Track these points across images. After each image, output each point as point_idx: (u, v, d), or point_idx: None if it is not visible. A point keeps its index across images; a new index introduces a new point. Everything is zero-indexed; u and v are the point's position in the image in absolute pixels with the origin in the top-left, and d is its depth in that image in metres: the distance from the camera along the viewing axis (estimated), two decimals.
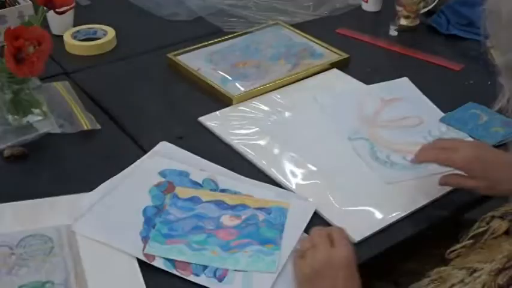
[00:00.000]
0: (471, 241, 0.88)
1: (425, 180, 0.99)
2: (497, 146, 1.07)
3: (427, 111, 1.17)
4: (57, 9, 1.03)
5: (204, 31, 1.45)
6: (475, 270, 0.79)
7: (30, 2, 1.35)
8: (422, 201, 0.96)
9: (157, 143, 1.06)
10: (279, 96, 1.21)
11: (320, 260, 0.78)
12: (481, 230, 0.87)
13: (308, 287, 0.78)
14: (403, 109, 1.17)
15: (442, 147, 0.94)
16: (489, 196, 0.97)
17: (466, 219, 1.05)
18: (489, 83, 1.28)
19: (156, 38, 1.43)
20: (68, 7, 1.05)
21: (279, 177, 1.00)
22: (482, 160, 0.90)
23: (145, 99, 1.20)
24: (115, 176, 0.97)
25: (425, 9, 1.50)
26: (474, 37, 1.44)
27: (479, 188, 0.91)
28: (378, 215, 0.93)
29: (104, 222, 0.88)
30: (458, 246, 0.88)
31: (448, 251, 0.88)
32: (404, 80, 1.26)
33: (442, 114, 1.17)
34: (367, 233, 0.90)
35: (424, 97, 1.21)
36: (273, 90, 1.23)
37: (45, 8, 1.03)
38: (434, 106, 1.19)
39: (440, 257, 0.91)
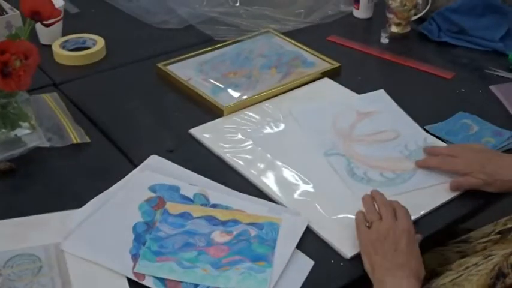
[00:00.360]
0: (498, 236, 0.92)
1: (410, 194, 0.99)
2: None
3: (403, 124, 1.15)
4: (44, 21, 1.02)
5: (195, 39, 1.44)
6: (489, 255, 0.86)
7: (18, 12, 1.33)
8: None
9: (148, 156, 1.04)
10: (270, 107, 1.20)
11: (385, 228, 0.86)
12: (508, 226, 0.92)
13: (372, 250, 0.85)
14: (379, 122, 1.15)
15: (443, 154, 1.03)
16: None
17: (461, 229, 1.05)
18: (480, 91, 1.29)
19: (146, 47, 1.42)
20: (56, 19, 1.03)
21: (270, 191, 0.99)
22: (480, 158, 0.99)
23: (136, 111, 1.19)
24: (104, 192, 0.96)
25: (417, 17, 1.50)
26: (465, 44, 1.45)
27: (482, 185, 0.97)
28: None
29: (93, 240, 0.87)
30: (485, 239, 0.95)
31: (476, 242, 0.95)
32: (381, 92, 1.24)
33: (418, 126, 1.14)
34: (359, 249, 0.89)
35: (401, 110, 1.19)
36: (265, 100, 1.22)
37: (32, 20, 1.01)
38: (410, 119, 1.16)
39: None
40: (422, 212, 0.96)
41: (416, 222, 0.93)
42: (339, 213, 0.95)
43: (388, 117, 1.17)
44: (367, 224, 0.88)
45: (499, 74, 1.33)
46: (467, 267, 0.88)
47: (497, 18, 1.43)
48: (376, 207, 0.91)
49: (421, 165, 1.04)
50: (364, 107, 1.19)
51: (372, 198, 0.93)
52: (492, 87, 1.28)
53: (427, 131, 1.14)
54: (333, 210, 0.96)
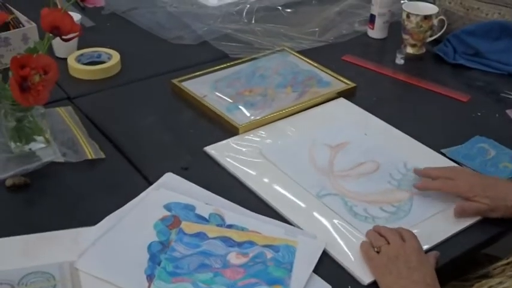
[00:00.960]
0: None
1: (419, 226, 0.97)
2: None
3: (377, 153, 1.12)
4: (64, 36, 1.02)
5: (209, 56, 1.44)
6: None
7: (34, 24, 1.33)
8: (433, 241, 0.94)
9: (163, 173, 1.04)
10: (285, 126, 1.20)
11: (395, 249, 0.87)
12: None
13: (386, 271, 0.85)
14: (354, 154, 1.12)
15: (442, 177, 1.02)
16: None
17: (482, 255, 1.04)
18: (497, 115, 1.28)
19: (161, 62, 1.42)
20: (75, 34, 1.03)
21: (285, 212, 0.98)
22: (481, 182, 1.00)
23: (150, 127, 1.18)
24: (119, 209, 0.95)
25: (432, 38, 1.50)
26: (481, 67, 1.44)
27: (486, 210, 0.97)
28: None
29: (108, 259, 0.86)
30: (503, 261, 0.95)
31: (492, 267, 0.94)
32: (344, 123, 1.21)
33: (391, 151, 1.12)
34: None
35: (365, 136, 1.17)
36: (280, 119, 1.21)
37: (51, 34, 1.01)
38: (380, 144, 1.15)
39: None
40: (437, 241, 0.94)
41: (432, 250, 0.92)
42: (356, 237, 0.94)
43: (360, 146, 1.14)
44: (376, 249, 0.88)
45: None
46: (490, 286, 0.88)
47: None
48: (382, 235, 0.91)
49: (421, 188, 1.03)
50: (332, 140, 1.15)
51: (375, 231, 0.93)
52: (508, 111, 1.28)
53: (444, 154, 1.13)
54: (349, 235, 0.95)
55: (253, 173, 1.06)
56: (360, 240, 0.93)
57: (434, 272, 0.85)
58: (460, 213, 0.98)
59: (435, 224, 0.97)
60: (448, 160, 1.12)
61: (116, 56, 1.37)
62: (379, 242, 0.89)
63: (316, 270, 0.88)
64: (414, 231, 0.93)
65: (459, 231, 0.97)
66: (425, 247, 0.92)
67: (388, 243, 0.88)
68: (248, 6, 1.62)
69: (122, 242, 0.89)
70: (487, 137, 1.18)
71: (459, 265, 0.94)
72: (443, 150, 1.14)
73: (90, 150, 1.08)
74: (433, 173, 1.04)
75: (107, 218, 0.93)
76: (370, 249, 0.89)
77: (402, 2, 1.62)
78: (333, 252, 0.91)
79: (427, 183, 1.03)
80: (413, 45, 1.49)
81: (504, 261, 0.96)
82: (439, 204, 1.01)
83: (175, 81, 1.30)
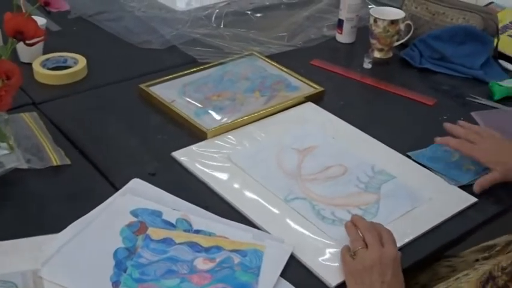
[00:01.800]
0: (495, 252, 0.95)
1: (388, 227, 0.96)
2: (466, 186, 1.07)
3: (344, 157, 1.13)
4: (28, 41, 1.00)
5: (178, 60, 1.43)
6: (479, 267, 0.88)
7: None
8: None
9: (130, 179, 1.03)
10: (254, 130, 1.20)
11: (372, 259, 0.85)
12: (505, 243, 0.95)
13: (358, 280, 0.84)
14: (322, 158, 1.12)
15: (466, 138, 1.09)
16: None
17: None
18: (462, 118, 1.30)
19: (129, 67, 1.41)
20: (39, 39, 1.01)
21: (253, 217, 0.98)
22: (498, 147, 1.06)
23: (117, 132, 1.17)
24: (84, 216, 0.94)
25: (399, 43, 1.51)
26: (446, 71, 1.46)
27: (500, 178, 1.04)
28: None
29: (73, 267, 0.85)
30: (481, 255, 0.99)
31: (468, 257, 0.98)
32: (312, 127, 1.21)
33: (357, 155, 1.13)
34: (343, 278, 0.88)
35: (332, 140, 1.18)
36: (249, 123, 1.21)
37: (14, 39, 1.00)
38: (348, 148, 1.15)
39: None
40: (404, 242, 0.95)
41: (400, 250, 0.92)
42: (323, 240, 0.94)
43: (328, 150, 1.15)
44: (352, 254, 0.87)
45: (480, 101, 1.35)
46: (457, 278, 0.89)
47: (477, 46, 1.45)
48: (360, 233, 0.90)
49: (440, 142, 1.10)
50: (300, 144, 1.16)
51: (354, 224, 0.92)
52: (473, 114, 1.30)
53: (409, 157, 1.14)
54: (317, 237, 0.95)
55: (221, 178, 1.06)
56: (327, 243, 0.93)
57: (403, 283, 0.85)
58: (480, 189, 1.04)
59: (401, 226, 0.98)
60: (414, 163, 1.13)
61: (82, 61, 1.36)
62: (356, 245, 0.88)
63: (284, 274, 0.88)
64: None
65: (426, 232, 0.98)
66: None
67: (366, 246, 0.87)
68: (217, 10, 1.62)
69: (87, 248, 0.88)
70: None
71: (426, 265, 0.95)
72: (409, 153, 1.15)
73: (55, 157, 1.06)
74: (458, 131, 1.10)
75: (72, 224, 0.92)
76: (347, 253, 0.88)
77: (370, 7, 1.64)
78: (300, 256, 0.91)
79: (447, 139, 1.09)
80: (380, 50, 1.51)
81: (483, 255, 0.98)
82: (406, 206, 1.02)
83: (143, 86, 1.29)
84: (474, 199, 1.05)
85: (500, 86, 1.35)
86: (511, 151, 1.05)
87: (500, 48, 1.50)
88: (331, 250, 0.92)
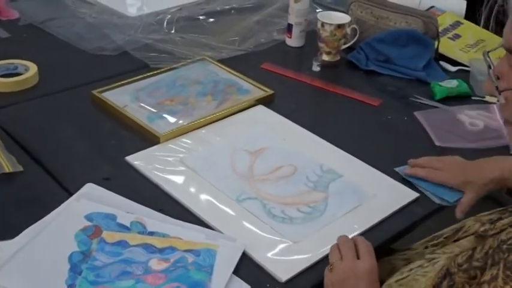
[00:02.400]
0: (444, 240, 0.97)
1: (334, 224, 1.02)
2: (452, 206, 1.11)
3: (294, 157, 1.17)
4: None
5: (130, 66, 1.45)
6: (433, 258, 0.90)
7: None
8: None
9: (83, 184, 1.04)
10: (206, 133, 1.23)
11: (345, 270, 0.87)
12: (453, 231, 0.97)
13: None
14: (272, 158, 1.16)
15: (431, 166, 1.13)
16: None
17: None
18: (406, 118, 1.36)
19: (80, 74, 1.41)
20: None
21: (206, 218, 1.01)
22: (462, 169, 1.11)
23: (70, 139, 1.18)
24: (39, 221, 0.95)
25: (346, 46, 1.57)
26: (391, 73, 1.52)
27: (471, 196, 1.08)
28: (305, 253, 0.96)
29: (28, 272, 0.86)
30: (431, 242, 1.00)
31: (422, 246, 1.01)
32: (263, 130, 1.25)
33: (308, 155, 1.17)
34: (294, 272, 0.92)
35: (283, 141, 1.21)
36: (201, 127, 1.24)
37: None
38: (297, 149, 1.19)
39: None
40: (353, 234, 0.99)
41: None
42: (274, 238, 0.98)
43: (278, 151, 1.18)
44: (330, 267, 0.90)
45: (422, 101, 1.41)
46: (411, 269, 0.92)
47: (420, 48, 1.51)
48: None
49: (410, 173, 1.13)
50: (252, 146, 1.19)
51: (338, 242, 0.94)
52: (416, 114, 1.36)
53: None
54: (268, 235, 0.98)
55: (175, 181, 1.09)
56: (277, 240, 0.97)
57: None
58: (462, 215, 1.07)
59: (349, 221, 1.03)
60: (360, 161, 1.18)
61: (33, 68, 1.36)
62: (333, 257, 0.90)
63: (237, 272, 0.91)
64: (328, 227, 0.99)
65: (372, 226, 1.03)
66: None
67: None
68: (169, 16, 1.64)
69: (42, 253, 0.89)
70: (397, 139, 1.25)
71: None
72: (396, 169, 1.15)
73: (7, 164, 1.07)
74: (421, 161, 1.14)
75: (27, 230, 0.93)
76: (327, 266, 0.90)
77: (317, 11, 1.69)
78: (252, 254, 0.94)
79: (415, 170, 1.13)
80: (328, 53, 1.56)
81: (432, 242, 1.01)
82: (352, 202, 1.07)
83: (95, 92, 1.31)
84: (416, 194, 1.10)
85: (441, 86, 1.42)
86: (473, 170, 1.10)
87: (441, 50, 1.57)
88: (282, 247, 0.96)
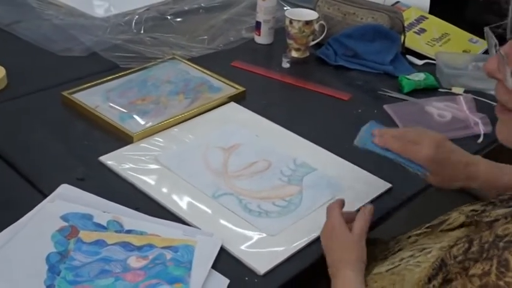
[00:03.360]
0: (428, 230, 0.94)
1: (309, 217, 1.04)
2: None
3: (268, 152, 1.18)
4: None
5: (100, 67, 1.44)
6: (424, 249, 0.88)
7: None
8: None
9: (58, 186, 1.03)
10: (179, 132, 1.23)
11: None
12: (436, 222, 0.93)
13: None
14: (246, 154, 1.17)
15: (408, 140, 0.99)
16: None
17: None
18: (375, 111, 1.38)
19: (50, 75, 1.40)
20: None
21: (183, 214, 1.01)
22: (439, 161, 0.97)
23: (42, 140, 1.17)
24: (14, 224, 0.94)
25: (314, 42, 1.59)
26: (359, 67, 1.55)
27: (432, 182, 1.01)
28: (283, 246, 0.97)
29: (5, 274, 0.85)
30: (415, 232, 0.95)
31: (405, 236, 0.97)
32: (235, 127, 1.25)
33: (280, 150, 1.18)
34: (273, 265, 0.93)
35: (256, 137, 1.22)
36: (173, 125, 1.24)
37: None
38: (271, 144, 1.20)
39: None
40: None
41: None
42: (251, 232, 0.99)
43: (252, 147, 1.19)
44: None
45: (391, 94, 1.44)
46: (402, 258, 0.90)
47: (386, 43, 1.54)
48: None
49: (381, 144, 0.99)
50: (225, 143, 1.20)
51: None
52: (385, 107, 1.39)
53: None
54: (245, 230, 0.99)
55: (150, 179, 1.09)
56: (255, 234, 0.98)
57: (355, 244, 0.93)
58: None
59: (324, 214, 1.03)
60: (333, 155, 1.20)
61: (1, 71, 1.34)
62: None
63: (215, 266, 0.92)
64: (304, 219, 1.01)
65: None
66: (316, 234, 0.99)
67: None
68: (137, 16, 1.63)
69: (18, 255, 0.89)
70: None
71: None
72: (355, 143, 1.05)
73: None
74: (403, 135, 0.99)
75: (2, 232, 0.92)
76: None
77: (285, 8, 1.70)
78: (230, 248, 0.95)
79: (388, 142, 0.98)
80: (297, 50, 1.57)
81: (416, 232, 0.98)
82: (327, 195, 1.09)
83: (65, 93, 1.30)
84: (389, 185, 1.13)
85: (408, 79, 1.45)
86: (451, 165, 0.99)
87: (407, 45, 1.60)
88: (259, 241, 0.97)
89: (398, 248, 0.96)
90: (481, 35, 1.66)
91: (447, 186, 1.01)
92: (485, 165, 1.01)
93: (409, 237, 0.99)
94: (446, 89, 1.47)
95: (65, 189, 1.03)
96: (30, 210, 0.97)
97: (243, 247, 0.96)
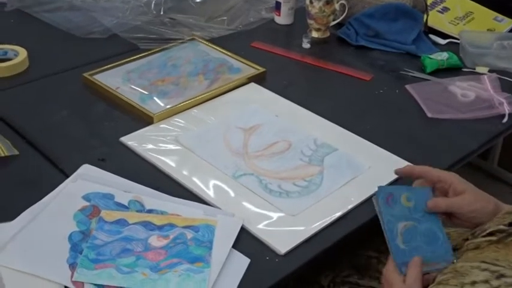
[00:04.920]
0: (494, 238, 0.86)
1: (330, 197, 1.03)
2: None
3: (288, 132, 1.17)
4: None
5: (120, 49, 1.44)
6: (502, 275, 0.78)
7: None
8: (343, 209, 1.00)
9: (79, 166, 1.04)
10: (199, 113, 1.23)
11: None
12: (501, 228, 0.86)
13: None
14: (267, 135, 1.16)
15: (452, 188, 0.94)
16: None
17: None
18: (397, 91, 1.37)
19: (71, 57, 1.41)
20: None
21: (204, 194, 1.01)
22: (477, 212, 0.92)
23: (64, 121, 1.18)
24: (37, 203, 0.95)
25: (335, 22, 1.57)
26: (381, 47, 1.53)
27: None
28: (303, 226, 0.97)
29: (29, 252, 0.86)
30: (481, 239, 0.87)
31: (467, 242, 0.89)
32: (255, 107, 1.25)
33: (301, 129, 1.17)
34: (293, 245, 0.93)
35: (276, 118, 1.21)
36: (193, 106, 1.24)
37: None
38: (291, 124, 1.19)
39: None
40: (349, 208, 1.01)
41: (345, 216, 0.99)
42: (272, 212, 0.99)
43: (272, 128, 1.19)
44: None
45: (413, 74, 1.42)
46: (474, 282, 0.79)
47: (409, 22, 1.52)
48: None
49: (431, 207, 0.94)
50: (245, 124, 1.19)
51: None
52: (407, 87, 1.37)
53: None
54: (266, 210, 0.99)
55: (171, 159, 1.09)
56: (275, 214, 0.98)
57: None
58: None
59: (345, 194, 1.04)
60: (354, 135, 1.19)
61: (23, 53, 1.35)
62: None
63: (236, 246, 0.92)
64: (325, 200, 1.00)
65: (368, 198, 1.03)
66: (338, 214, 0.99)
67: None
68: None
69: (42, 234, 0.90)
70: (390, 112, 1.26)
71: (369, 230, 1.00)
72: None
73: (2, 148, 1.06)
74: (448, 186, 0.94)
75: (25, 212, 0.93)
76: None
77: None
78: (251, 228, 0.95)
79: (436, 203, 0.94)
80: (318, 30, 1.56)
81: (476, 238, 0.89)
82: (348, 175, 1.08)
83: (86, 74, 1.30)
84: (410, 165, 1.11)
85: (431, 59, 1.43)
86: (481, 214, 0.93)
87: (430, 24, 1.57)
88: (280, 221, 0.97)
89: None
90: (506, 13, 1.64)
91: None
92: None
93: (466, 239, 0.90)
94: (470, 68, 1.44)
95: (86, 169, 1.03)
96: (52, 190, 0.98)
97: (263, 227, 0.96)
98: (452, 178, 0.95)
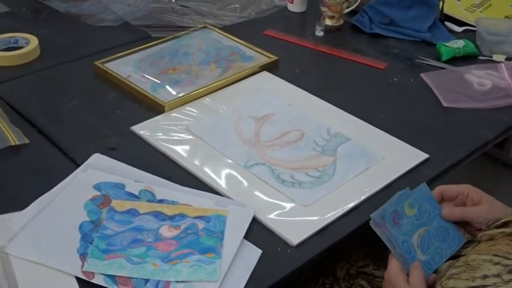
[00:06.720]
0: (508, 229, 0.84)
1: (343, 187, 1.01)
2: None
3: (301, 121, 1.16)
4: None
5: (131, 37, 1.43)
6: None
7: None
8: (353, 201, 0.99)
9: (90, 155, 1.03)
10: (211, 101, 1.21)
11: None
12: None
13: None
14: (279, 124, 1.15)
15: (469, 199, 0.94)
16: None
17: None
18: (412, 79, 1.34)
19: (82, 45, 1.40)
20: None
21: (215, 184, 1.00)
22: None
23: (75, 110, 1.17)
24: (47, 192, 0.95)
25: (349, 9, 1.55)
26: (396, 35, 1.50)
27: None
28: (316, 216, 0.95)
29: (39, 242, 0.86)
30: (495, 231, 0.86)
31: (481, 234, 0.87)
32: (268, 96, 1.23)
33: (314, 119, 1.15)
34: (306, 235, 0.92)
35: (288, 107, 1.20)
36: (205, 95, 1.23)
37: None
38: (304, 114, 1.18)
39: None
40: (361, 198, 0.99)
41: (357, 207, 0.97)
42: (284, 203, 0.98)
43: (284, 117, 1.17)
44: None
45: (428, 62, 1.39)
46: (486, 276, 0.77)
47: (424, 10, 1.49)
48: None
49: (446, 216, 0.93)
50: (257, 113, 1.18)
51: None
52: (423, 75, 1.34)
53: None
54: (278, 200, 0.98)
55: (182, 148, 1.08)
56: (288, 205, 0.97)
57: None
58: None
59: (358, 184, 1.02)
60: (368, 125, 1.17)
61: (34, 41, 1.34)
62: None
63: (247, 237, 0.91)
64: (338, 190, 0.99)
65: (382, 189, 1.02)
66: (351, 204, 0.97)
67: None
68: None
69: (52, 224, 0.89)
70: (405, 101, 1.24)
71: None
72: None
73: (13, 137, 1.06)
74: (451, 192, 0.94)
75: (36, 201, 0.93)
76: None
77: None
78: (263, 218, 0.94)
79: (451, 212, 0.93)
80: (331, 17, 1.53)
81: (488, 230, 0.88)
82: (361, 165, 1.06)
83: (97, 63, 1.29)
84: (425, 155, 1.09)
85: (447, 47, 1.40)
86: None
87: (446, 11, 1.55)
88: (292, 211, 0.96)
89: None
90: None
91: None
92: None
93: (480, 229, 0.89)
94: (486, 56, 1.41)
95: (97, 158, 1.03)
96: (63, 180, 0.98)
97: (275, 217, 0.94)
98: (468, 189, 0.95)
